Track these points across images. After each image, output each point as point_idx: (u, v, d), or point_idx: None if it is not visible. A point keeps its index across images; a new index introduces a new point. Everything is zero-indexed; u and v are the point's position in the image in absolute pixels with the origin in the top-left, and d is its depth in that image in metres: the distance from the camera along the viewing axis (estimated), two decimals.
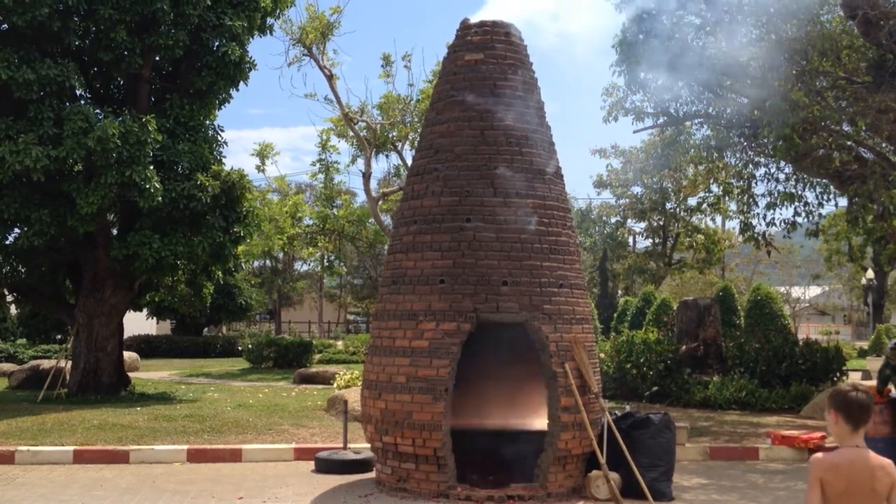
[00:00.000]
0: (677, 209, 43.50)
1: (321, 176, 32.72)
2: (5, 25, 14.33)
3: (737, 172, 16.64)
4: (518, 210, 8.42)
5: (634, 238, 47.49)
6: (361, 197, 35.00)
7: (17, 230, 14.87)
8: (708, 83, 14.23)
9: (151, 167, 14.22)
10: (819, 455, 3.65)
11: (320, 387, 18.67)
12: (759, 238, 15.98)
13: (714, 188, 23.77)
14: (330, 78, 23.49)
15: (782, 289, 48.56)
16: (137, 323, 30.98)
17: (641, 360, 16.81)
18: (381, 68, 25.04)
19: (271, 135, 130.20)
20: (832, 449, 3.76)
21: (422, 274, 8.41)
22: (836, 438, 3.68)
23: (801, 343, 17.98)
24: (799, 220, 15.07)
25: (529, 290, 8.27)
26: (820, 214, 15.38)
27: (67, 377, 16.07)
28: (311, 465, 9.98)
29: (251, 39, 16.64)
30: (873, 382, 13.34)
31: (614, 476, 8.24)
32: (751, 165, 16.09)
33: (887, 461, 3.63)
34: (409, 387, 8.17)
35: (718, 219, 43.43)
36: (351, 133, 25.82)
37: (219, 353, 31.95)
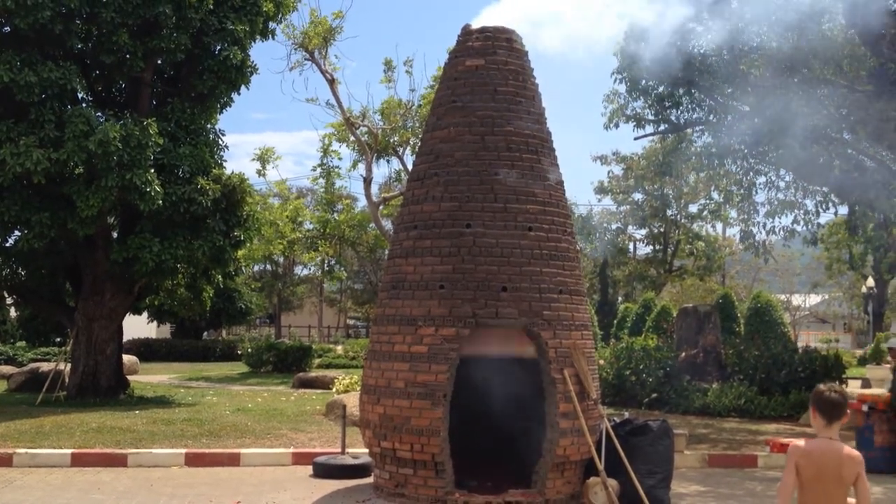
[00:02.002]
0: (678, 216, 43.57)
1: (322, 180, 32.72)
2: (7, 28, 14.35)
3: (737, 180, 16.67)
4: (518, 216, 8.42)
5: (635, 244, 47.57)
6: (362, 201, 34.98)
7: (17, 233, 14.88)
8: (709, 91, 14.25)
9: (152, 170, 14.23)
10: (796, 442, 4.27)
11: (319, 391, 18.66)
12: (759, 246, 15.99)
13: (715, 195, 23.78)
14: (332, 83, 23.50)
15: (782, 296, 48.54)
16: (137, 326, 30.98)
17: (641, 367, 16.80)
18: (382, 73, 25.08)
19: (274, 139, 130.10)
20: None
21: (421, 279, 8.41)
22: (815, 431, 4.29)
23: (800, 351, 17.97)
24: (798, 228, 15.09)
25: (529, 295, 8.26)
26: (818, 224, 15.41)
27: (66, 380, 16.06)
28: (310, 469, 9.97)
29: (253, 44, 16.66)
30: (873, 391, 13.32)
31: (612, 483, 8.22)
32: (752, 173, 16.11)
33: (856, 453, 4.20)
34: (407, 392, 8.16)
35: (719, 226, 43.52)
36: (352, 138, 25.81)
37: (218, 357, 31.95)
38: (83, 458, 10.15)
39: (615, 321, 32.10)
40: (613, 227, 45.22)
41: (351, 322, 63.45)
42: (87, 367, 15.55)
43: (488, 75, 8.83)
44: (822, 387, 4.33)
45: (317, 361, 26.84)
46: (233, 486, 9.10)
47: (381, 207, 26.04)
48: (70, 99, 14.56)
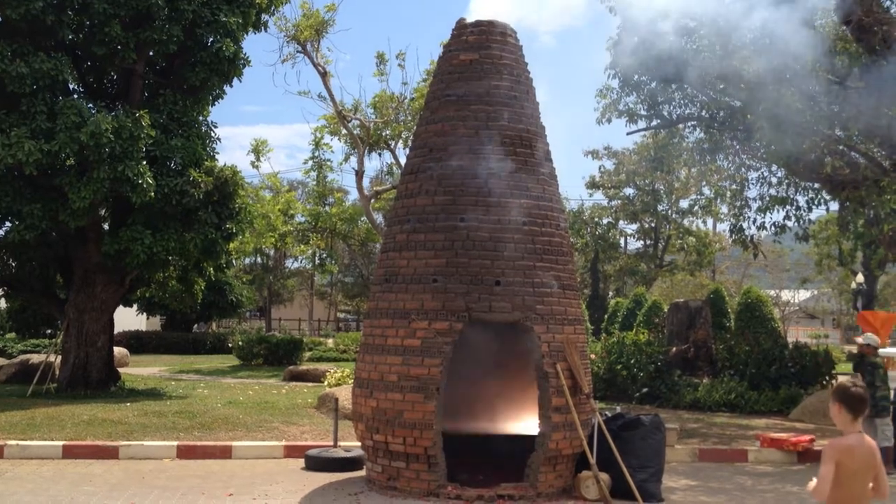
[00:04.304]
0: (669, 211, 43.67)
1: (314, 173, 32.67)
2: None
3: (729, 176, 16.70)
4: (512, 210, 8.43)
5: (626, 239, 47.61)
6: (354, 195, 34.96)
7: (8, 224, 14.82)
8: (701, 86, 14.26)
9: (144, 162, 14.18)
10: (836, 440, 4.37)
11: (310, 384, 18.66)
12: (748, 241, 16.03)
13: (706, 191, 23.89)
14: (324, 75, 23.44)
15: (772, 292, 48.69)
16: (127, 318, 30.90)
17: (632, 362, 16.85)
18: (375, 67, 25.03)
19: (266, 132, 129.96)
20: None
21: (415, 273, 8.42)
22: (840, 426, 4.41)
23: (790, 346, 18.04)
24: (789, 223, 15.14)
25: (522, 290, 8.28)
26: (809, 219, 15.46)
27: (57, 372, 16.02)
28: (301, 462, 9.98)
29: (245, 36, 16.60)
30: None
31: (604, 477, 8.26)
32: (743, 169, 16.15)
33: (874, 442, 4.48)
34: (400, 385, 8.17)
35: (710, 221, 43.63)
36: (344, 131, 25.77)
37: (209, 350, 31.88)
38: (74, 451, 10.15)
39: (606, 316, 32.18)
40: (604, 221, 45.25)
41: (341, 315, 63.40)
42: (78, 360, 15.51)
43: (482, 69, 8.83)
44: (846, 383, 4.47)
45: (307, 355, 26.81)
46: (225, 479, 9.10)
47: (372, 201, 26.02)
48: (62, 90, 14.50)
